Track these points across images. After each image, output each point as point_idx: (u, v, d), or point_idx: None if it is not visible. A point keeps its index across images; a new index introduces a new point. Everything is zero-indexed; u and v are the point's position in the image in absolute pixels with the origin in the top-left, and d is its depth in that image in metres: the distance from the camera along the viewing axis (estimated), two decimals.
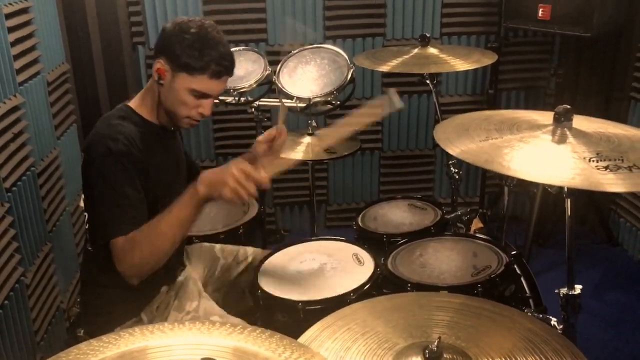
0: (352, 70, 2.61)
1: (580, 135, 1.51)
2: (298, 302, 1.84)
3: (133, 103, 1.86)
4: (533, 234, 3.24)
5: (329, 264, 2.06)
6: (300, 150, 2.61)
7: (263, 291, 1.93)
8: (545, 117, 1.62)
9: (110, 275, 1.67)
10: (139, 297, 1.84)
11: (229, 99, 2.81)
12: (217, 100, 2.11)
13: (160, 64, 1.76)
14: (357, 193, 3.76)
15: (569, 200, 1.57)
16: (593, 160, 1.39)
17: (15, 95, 2.23)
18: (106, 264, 1.68)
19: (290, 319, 1.84)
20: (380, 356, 1.30)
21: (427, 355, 1.26)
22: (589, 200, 3.52)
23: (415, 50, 2.68)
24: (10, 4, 2.25)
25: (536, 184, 3.05)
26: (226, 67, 1.77)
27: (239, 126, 3.44)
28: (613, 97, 3.43)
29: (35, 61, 2.46)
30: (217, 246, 2.23)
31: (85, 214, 1.86)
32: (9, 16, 2.21)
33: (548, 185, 1.69)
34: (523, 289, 2.14)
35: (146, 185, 1.74)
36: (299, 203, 3.74)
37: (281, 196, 3.72)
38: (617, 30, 3.20)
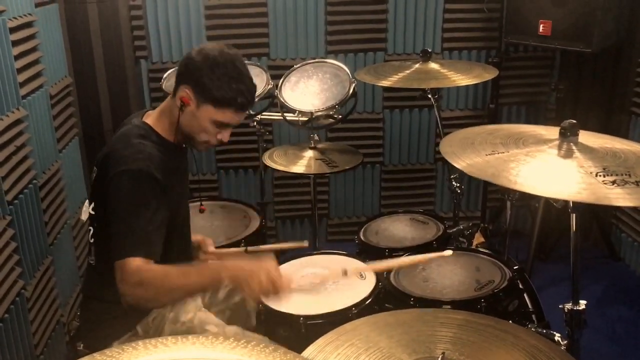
0: (353, 84, 2.62)
1: (586, 150, 1.51)
2: (299, 316, 1.83)
3: (150, 120, 1.86)
4: (535, 249, 3.23)
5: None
6: (302, 164, 2.61)
7: (264, 305, 1.92)
8: (551, 131, 1.62)
9: (112, 290, 1.66)
10: (137, 311, 1.83)
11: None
12: None
13: (185, 93, 1.77)
14: (358, 207, 3.76)
15: (574, 215, 1.57)
16: (600, 175, 1.39)
17: (18, 108, 2.23)
18: (108, 278, 1.67)
19: (292, 333, 1.83)
20: None
21: None
22: (591, 216, 3.52)
23: (417, 65, 2.69)
24: (15, 17, 2.26)
25: (538, 198, 3.05)
26: (250, 101, 1.82)
27: (241, 140, 3.44)
28: (614, 112, 3.44)
29: (38, 74, 2.47)
30: None
31: (90, 227, 1.85)
32: (13, 30, 2.23)
33: (554, 200, 1.68)
34: (526, 304, 2.13)
35: (164, 204, 1.73)
36: (300, 217, 3.74)
37: (282, 210, 3.71)
38: (618, 45, 3.22)
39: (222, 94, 1.75)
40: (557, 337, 1.66)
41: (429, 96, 2.73)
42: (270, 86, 2.77)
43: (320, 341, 1.39)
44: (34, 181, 2.34)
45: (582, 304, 1.58)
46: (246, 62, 2.93)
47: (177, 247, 1.91)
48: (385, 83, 2.61)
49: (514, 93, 3.60)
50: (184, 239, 2.00)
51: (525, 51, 3.53)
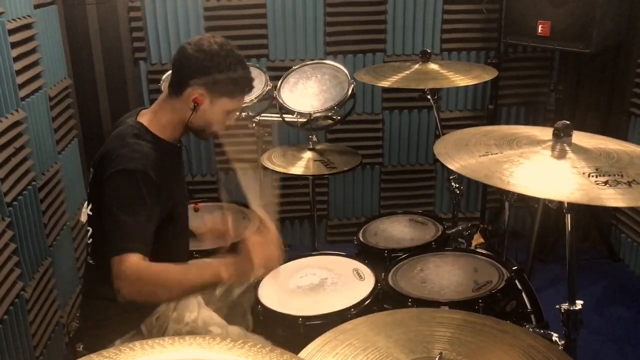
0: (352, 85, 2.63)
1: (579, 150, 1.52)
2: (298, 317, 1.84)
3: (144, 119, 1.86)
4: (534, 250, 3.23)
5: (329, 279, 2.06)
6: (301, 165, 2.62)
7: (263, 306, 1.92)
8: (545, 132, 1.62)
9: (111, 289, 1.67)
10: (139, 310, 1.83)
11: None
12: None
13: (198, 93, 1.78)
14: (357, 208, 3.76)
15: (568, 215, 1.57)
16: (592, 176, 1.39)
17: (17, 110, 2.24)
18: (107, 277, 1.67)
19: (290, 334, 1.83)
20: None
21: None
22: (591, 216, 3.52)
23: (416, 66, 2.69)
24: (14, 19, 2.27)
25: (537, 199, 3.05)
26: (252, 81, 1.89)
27: (240, 141, 3.44)
28: (613, 113, 3.44)
29: (37, 76, 2.48)
30: None
31: (89, 228, 1.86)
32: (12, 32, 2.23)
33: (548, 201, 1.69)
34: (524, 305, 2.13)
35: (158, 203, 1.74)
36: (299, 218, 3.74)
37: (282, 211, 3.70)
38: (617, 46, 3.22)
39: (235, 84, 1.82)
40: (555, 337, 1.66)
41: (428, 97, 2.73)
42: (269, 87, 2.77)
43: (318, 341, 1.39)
44: (33, 183, 2.34)
45: (579, 304, 1.58)
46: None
47: (174, 247, 1.91)
48: (384, 83, 2.61)
49: (513, 94, 3.61)
50: (181, 239, 2.01)
51: (524, 52, 3.53)
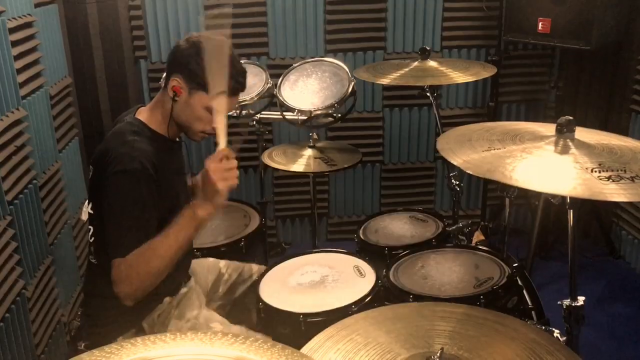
0: (353, 83, 2.62)
1: (582, 146, 1.52)
2: (299, 314, 1.84)
3: (143, 116, 1.86)
4: (535, 247, 3.23)
5: (330, 276, 2.06)
6: (302, 162, 2.62)
7: (264, 303, 1.92)
8: (548, 128, 1.62)
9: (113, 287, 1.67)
10: (141, 307, 1.83)
11: (231, 112, 2.82)
12: None
13: (176, 81, 1.77)
14: (358, 205, 3.76)
15: (571, 211, 1.57)
16: (595, 171, 1.39)
17: (17, 109, 2.24)
18: (109, 276, 1.68)
19: (292, 331, 1.84)
20: None
21: None
22: (592, 213, 3.52)
23: (416, 63, 2.69)
24: (14, 18, 2.27)
25: (538, 197, 3.05)
26: (241, 84, 1.83)
27: (240, 139, 3.44)
28: (613, 109, 3.44)
29: (38, 75, 2.47)
30: (222, 262, 2.23)
31: (90, 227, 1.86)
32: (13, 30, 2.23)
33: (551, 196, 1.69)
34: (525, 301, 2.14)
35: (159, 199, 1.74)
36: (300, 216, 3.74)
37: (282, 209, 3.72)
38: (617, 42, 3.21)
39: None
40: (556, 333, 1.66)
41: (428, 94, 2.73)
42: (269, 85, 2.77)
43: (319, 336, 1.39)
44: (34, 181, 2.34)
45: (581, 300, 1.58)
46: (246, 61, 2.98)
47: None
48: (384, 81, 2.61)
49: (514, 91, 3.61)
50: None
51: (525, 49, 3.53)
